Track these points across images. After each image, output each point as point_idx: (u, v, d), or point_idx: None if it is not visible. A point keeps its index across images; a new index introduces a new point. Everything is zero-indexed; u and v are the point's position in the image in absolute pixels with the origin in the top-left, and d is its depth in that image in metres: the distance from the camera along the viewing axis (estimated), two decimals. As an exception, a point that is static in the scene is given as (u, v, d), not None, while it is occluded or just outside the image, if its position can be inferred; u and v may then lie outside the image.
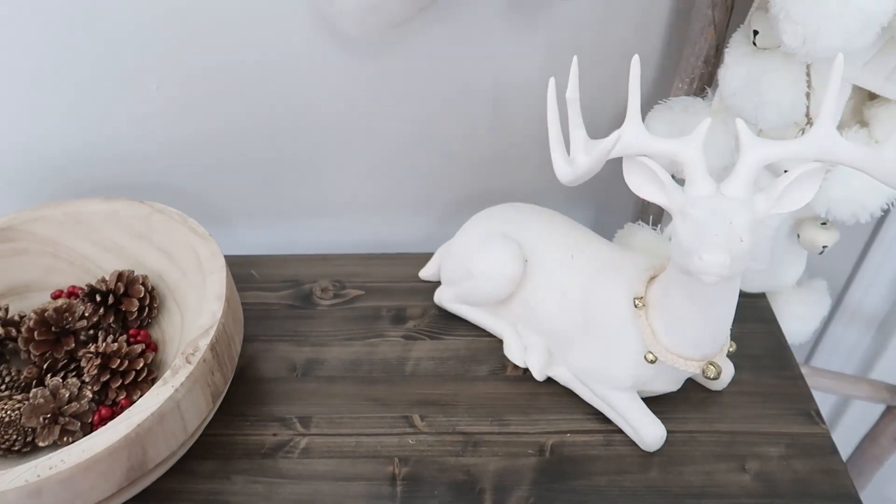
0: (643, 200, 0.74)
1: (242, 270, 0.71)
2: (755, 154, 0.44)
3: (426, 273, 0.70)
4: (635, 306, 0.52)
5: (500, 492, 0.53)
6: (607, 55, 0.66)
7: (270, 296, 0.70)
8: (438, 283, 0.68)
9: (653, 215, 0.71)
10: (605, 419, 0.57)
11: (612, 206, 0.80)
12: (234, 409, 0.59)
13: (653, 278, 0.53)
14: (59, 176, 0.72)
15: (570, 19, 0.65)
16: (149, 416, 0.46)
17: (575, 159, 0.43)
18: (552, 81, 0.45)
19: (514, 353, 0.62)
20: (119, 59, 0.65)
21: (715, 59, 0.61)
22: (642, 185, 0.46)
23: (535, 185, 0.77)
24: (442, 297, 0.67)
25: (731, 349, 0.54)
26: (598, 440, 0.56)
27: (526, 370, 0.61)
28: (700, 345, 0.51)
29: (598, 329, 0.56)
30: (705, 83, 0.63)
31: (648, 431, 0.54)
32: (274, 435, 0.57)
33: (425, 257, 0.71)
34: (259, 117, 0.70)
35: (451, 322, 0.66)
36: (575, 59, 0.44)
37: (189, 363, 0.49)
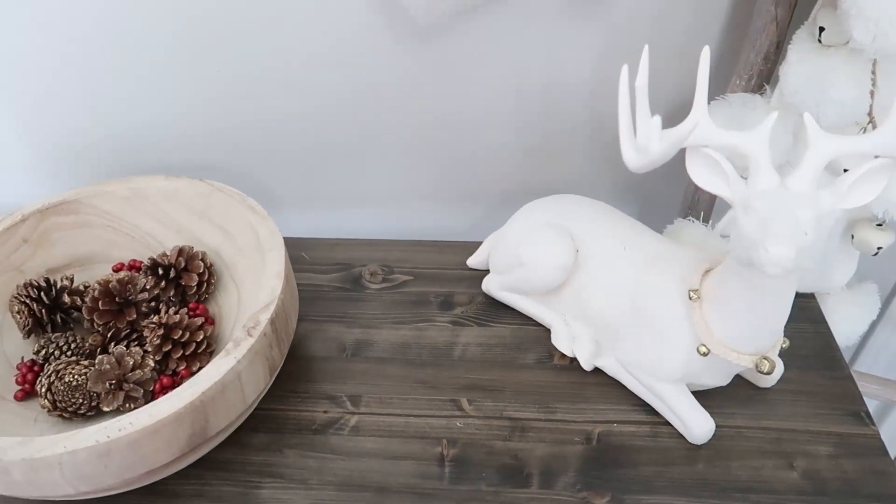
0: (691, 196, 0.74)
1: (293, 252, 0.72)
2: (822, 148, 0.44)
3: (474, 261, 0.71)
4: (690, 299, 0.52)
5: (547, 477, 0.54)
6: (663, 51, 0.66)
7: (321, 278, 0.71)
8: (486, 272, 0.68)
9: (703, 211, 0.71)
10: (652, 411, 0.58)
11: (659, 202, 0.80)
12: (287, 385, 0.60)
13: (707, 272, 0.53)
14: (121, 155, 0.75)
15: (626, 15, 0.65)
16: (212, 384, 0.47)
17: (648, 147, 0.43)
18: (625, 68, 0.45)
19: (563, 342, 0.62)
20: (182, 45, 0.67)
21: (775, 56, 0.61)
22: (706, 176, 0.46)
23: (583, 177, 0.77)
24: (490, 285, 0.67)
25: (784, 346, 0.54)
26: (646, 431, 0.57)
27: (573, 360, 0.62)
28: (755, 339, 0.51)
29: (649, 321, 0.56)
30: (764, 80, 0.62)
31: (697, 424, 0.55)
32: (325, 412, 0.59)
33: (472, 246, 0.72)
34: (313, 105, 0.71)
35: (498, 310, 0.67)
36: (646, 48, 0.44)
37: (250, 336, 0.51)
